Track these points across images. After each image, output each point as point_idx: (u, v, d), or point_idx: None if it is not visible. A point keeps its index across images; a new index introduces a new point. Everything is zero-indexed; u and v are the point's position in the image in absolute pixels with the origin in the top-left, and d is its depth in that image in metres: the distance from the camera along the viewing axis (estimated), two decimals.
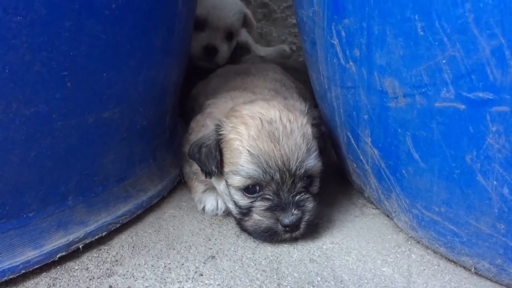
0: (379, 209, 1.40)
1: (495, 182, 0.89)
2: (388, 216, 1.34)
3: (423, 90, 0.93)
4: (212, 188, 1.35)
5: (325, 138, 1.32)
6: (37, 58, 0.93)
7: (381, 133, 1.09)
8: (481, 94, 0.84)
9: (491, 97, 0.82)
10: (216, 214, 1.35)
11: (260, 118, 1.18)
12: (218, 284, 1.04)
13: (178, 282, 1.04)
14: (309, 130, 1.22)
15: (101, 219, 1.18)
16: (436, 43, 0.86)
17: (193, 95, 1.90)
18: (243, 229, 1.24)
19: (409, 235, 1.23)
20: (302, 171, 1.17)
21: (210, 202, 1.35)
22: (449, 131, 0.92)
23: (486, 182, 0.90)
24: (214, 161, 1.20)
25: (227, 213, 1.33)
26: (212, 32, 2.15)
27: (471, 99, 0.85)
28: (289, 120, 1.19)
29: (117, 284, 1.03)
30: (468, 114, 0.87)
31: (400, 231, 1.28)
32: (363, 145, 1.19)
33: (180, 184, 1.53)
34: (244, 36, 2.37)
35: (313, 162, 1.19)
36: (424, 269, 1.12)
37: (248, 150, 1.15)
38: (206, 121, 1.34)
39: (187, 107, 1.86)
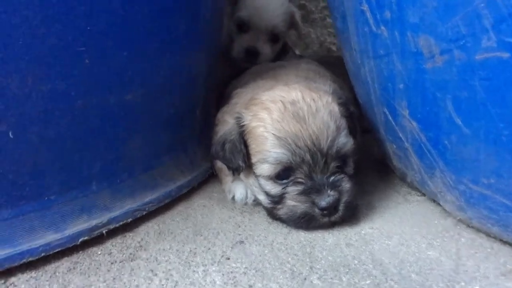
0: (424, 195, 1.29)
1: None
2: (434, 201, 1.23)
3: (462, 43, 0.84)
4: None
5: (355, 118, 1.23)
6: (52, 31, 0.91)
7: (419, 101, 1.00)
8: None
9: None
10: (246, 203, 1.29)
11: (281, 101, 1.12)
12: (246, 267, 0.97)
13: (203, 265, 0.98)
14: (335, 108, 1.14)
15: (126, 205, 1.14)
16: None
17: (227, 93, 1.86)
18: (276, 218, 1.16)
19: (458, 218, 1.11)
20: (334, 150, 1.09)
21: (239, 191, 1.29)
22: (493, 85, 0.82)
23: None
24: (240, 155, 1.14)
25: (258, 202, 1.26)
26: (254, 34, 2.06)
27: None
28: (313, 99, 1.12)
29: (139, 267, 0.98)
30: None
31: (448, 216, 1.17)
32: (401, 120, 1.10)
33: (212, 177, 1.47)
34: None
35: (344, 140, 1.11)
36: (476, 252, 1.01)
37: (273, 134, 1.08)
38: (224, 117, 1.29)
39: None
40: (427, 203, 1.26)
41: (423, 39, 0.91)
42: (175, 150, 1.36)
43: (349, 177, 1.14)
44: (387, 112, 1.15)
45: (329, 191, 1.08)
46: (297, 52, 2.47)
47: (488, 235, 1.05)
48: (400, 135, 1.14)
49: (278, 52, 2.20)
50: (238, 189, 1.29)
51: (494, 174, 0.91)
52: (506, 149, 0.85)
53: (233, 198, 1.30)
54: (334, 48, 2.74)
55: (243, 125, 1.15)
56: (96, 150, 1.08)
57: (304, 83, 1.26)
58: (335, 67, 1.91)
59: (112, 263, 0.99)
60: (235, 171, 1.17)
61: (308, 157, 1.07)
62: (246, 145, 1.15)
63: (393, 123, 1.14)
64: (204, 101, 1.53)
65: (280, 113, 1.09)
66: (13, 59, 0.88)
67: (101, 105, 1.05)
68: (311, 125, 1.07)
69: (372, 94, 1.19)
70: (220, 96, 1.85)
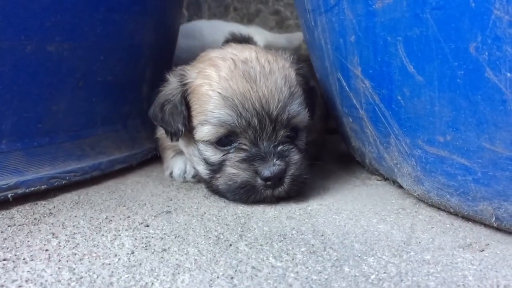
0: (384, 179, 1.18)
1: (509, 74, 0.67)
2: (393, 183, 1.11)
3: None
4: (182, 153, 1.16)
5: (315, 94, 1.12)
6: None
7: (371, 52, 0.89)
8: None
9: None
10: (185, 179, 1.15)
11: (232, 58, 1.00)
12: (165, 233, 0.83)
13: (115, 231, 0.84)
14: (292, 74, 1.03)
15: (42, 171, 1.00)
16: None
17: None
18: (214, 189, 1.02)
19: (416, 194, 0.98)
20: (285, 117, 0.97)
21: (177, 166, 1.15)
22: (446, 15, 0.71)
23: (498, 78, 0.68)
24: (180, 117, 1.00)
25: (198, 180, 1.13)
26: None
27: None
28: (268, 61, 1.01)
29: (40, 230, 0.83)
30: None
31: (407, 197, 1.05)
32: (354, 82, 0.99)
33: (156, 160, 1.34)
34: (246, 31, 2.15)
35: (297, 108, 0.99)
36: (433, 227, 0.88)
37: (219, 92, 0.96)
38: (168, 77, 1.18)
39: None
40: (386, 186, 1.14)
41: None
42: (113, 124, 1.24)
43: (299, 150, 1.02)
44: (341, 77, 1.04)
45: (274, 160, 0.95)
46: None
47: (448, 211, 0.92)
48: (355, 101, 1.03)
49: None
50: (177, 164, 1.16)
51: (450, 129, 0.79)
52: (462, 93, 0.74)
53: (171, 174, 1.17)
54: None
55: (187, 83, 1.02)
56: (8, 102, 0.95)
57: (262, 47, 1.15)
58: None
59: (9, 226, 0.85)
60: (174, 136, 1.03)
61: (255, 121, 0.95)
62: (188, 107, 1.02)
63: (347, 88, 1.03)
64: (153, 80, 1.40)
65: (229, 71, 0.97)
66: None
67: (14, 51, 0.93)
68: (261, 86, 0.96)
69: (326, 60, 1.09)
70: None
